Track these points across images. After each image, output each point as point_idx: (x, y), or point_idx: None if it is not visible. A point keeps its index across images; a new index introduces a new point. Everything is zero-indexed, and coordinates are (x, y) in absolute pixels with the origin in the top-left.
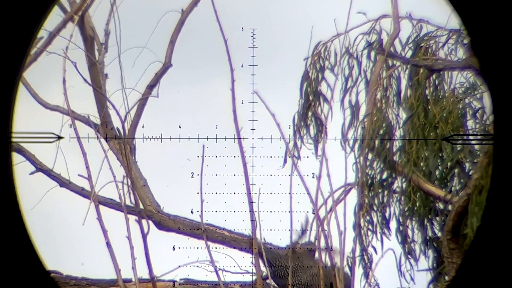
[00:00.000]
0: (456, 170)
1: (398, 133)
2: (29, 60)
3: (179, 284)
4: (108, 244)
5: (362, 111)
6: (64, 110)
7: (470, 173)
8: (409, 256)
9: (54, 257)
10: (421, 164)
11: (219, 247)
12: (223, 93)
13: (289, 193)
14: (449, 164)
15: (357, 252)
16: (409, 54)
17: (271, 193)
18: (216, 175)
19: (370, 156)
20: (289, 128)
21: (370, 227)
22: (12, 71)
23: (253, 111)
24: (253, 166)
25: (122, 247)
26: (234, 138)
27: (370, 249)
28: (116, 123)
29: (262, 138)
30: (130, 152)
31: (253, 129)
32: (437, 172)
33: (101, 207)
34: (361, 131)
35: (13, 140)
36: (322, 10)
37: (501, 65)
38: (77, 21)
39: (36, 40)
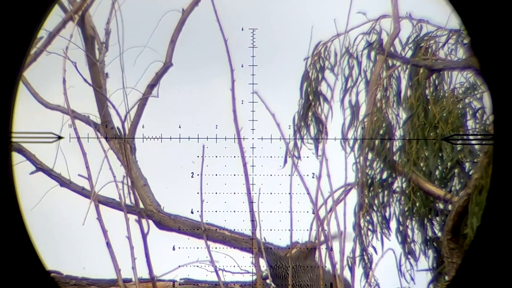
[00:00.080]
0: (456, 170)
1: (398, 133)
2: (29, 60)
3: (179, 284)
4: (108, 244)
5: (362, 111)
6: (64, 110)
7: (470, 173)
8: (409, 256)
9: (54, 257)
10: (421, 164)
11: (219, 247)
12: (223, 93)
13: (289, 193)
14: (449, 164)
15: (357, 252)
16: (409, 54)
17: (271, 193)
18: (216, 175)
19: (370, 156)
20: (289, 128)
21: (370, 227)
22: (12, 71)
23: (253, 111)
24: (253, 166)
25: (122, 247)
26: (234, 138)
27: (370, 249)
28: (116, 122)
29: (262, 138)
30: (130, 152)
31: (253, 129)
32: (437, 172)
33: (101, 207)
34: (361, 131)
35: (13, 140)
36: (322, 10)
37: (501, 65)
38: (78, 21)
39: (36, 40)
